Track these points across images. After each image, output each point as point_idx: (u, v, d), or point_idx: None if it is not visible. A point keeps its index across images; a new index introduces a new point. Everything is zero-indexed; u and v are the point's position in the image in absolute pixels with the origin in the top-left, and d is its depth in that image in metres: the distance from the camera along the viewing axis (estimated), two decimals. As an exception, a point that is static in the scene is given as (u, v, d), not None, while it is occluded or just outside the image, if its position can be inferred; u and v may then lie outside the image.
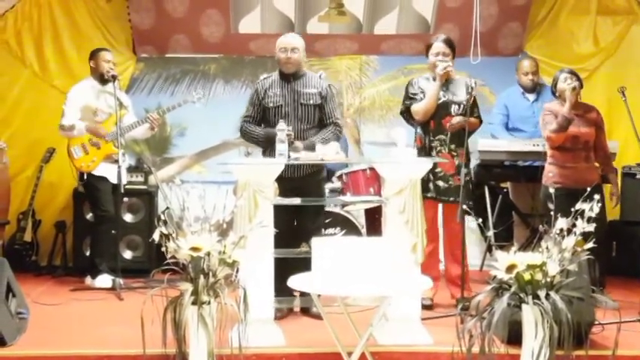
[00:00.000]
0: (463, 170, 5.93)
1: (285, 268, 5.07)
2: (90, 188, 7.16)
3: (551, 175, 6.34)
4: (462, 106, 6.25)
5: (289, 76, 6.07)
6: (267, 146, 5.95)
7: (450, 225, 6.32)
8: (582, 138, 6.26)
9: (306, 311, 6.00)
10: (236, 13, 8.05)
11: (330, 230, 6.84)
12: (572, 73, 6.34)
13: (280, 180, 5.50)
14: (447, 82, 6.30)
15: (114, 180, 6.96)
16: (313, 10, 8.05)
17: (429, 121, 6.30)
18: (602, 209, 6.32)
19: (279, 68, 6.11)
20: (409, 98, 6.38)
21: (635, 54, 7.96)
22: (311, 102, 6.04)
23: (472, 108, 6.22)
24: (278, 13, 8.06)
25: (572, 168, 6.27)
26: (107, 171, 7.05)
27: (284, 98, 6.02)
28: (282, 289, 5.21)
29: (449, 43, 6.33)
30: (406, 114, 6.42)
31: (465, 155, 6.14)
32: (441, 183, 6.24)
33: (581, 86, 6.32)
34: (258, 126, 6.10)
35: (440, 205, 6.36)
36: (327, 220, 6.77)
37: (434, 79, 6.30)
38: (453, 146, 6.24)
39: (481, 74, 7.37)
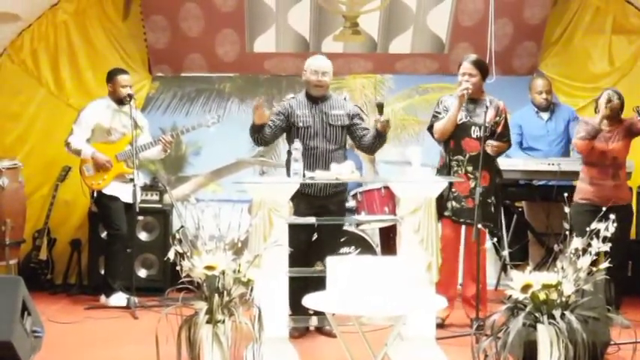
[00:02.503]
0: (478, 189, 5.92)
1: (302, 286, 5.07)
2: (101, 207, 7.21)
3: (578, 191, 6.34)
4: (482, 128, 6.23)
5: (317, 98, 6.11)
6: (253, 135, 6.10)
7: (467, 245, 6.32)
8: (610, 154, 6.26)
9: (319, 329, 6.00)
10: (251, 33, 8.08)
11: (345, 249, 6.84)
12: (616, 92, 6.39)
13: (305, 197, 5.60)
14: (473, 103, 6.28)
15: (125, 199, 7.00)
16: (328, 30, 8.06)
17: (449, 141, 6.31)
18: (627, 229, 6.33)
19: (307, 90, 6.15)
20: (433, 116, 6.41)
21: (650, 73, 7.95)
22: (339, 123, 6.10)
23: (502, 131, 6.24)
24: (293, 33, 8.08)
25: (598, 185, 6.26)
26: (118, 190, 7.09)
27: (313, 119, 6.07)
28: (298, 308, 5.21)
29: (477, 64, 6.29)
30: (430, 130, 6.45)
31: (490, 177, 6.16)
32: (454, 203, 6.24)
33: (621, 106, 6.33)
34: (273, 136, 6.18)
35: (463, 228, 6.35)
36: (341, 239, 6.77)
37: None
38: (470, 168, 6.23)
39: (496, 93, 7.34)
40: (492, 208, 6.29)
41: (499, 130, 6.28)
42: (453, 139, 6.29)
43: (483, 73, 6.33)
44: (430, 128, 6.46)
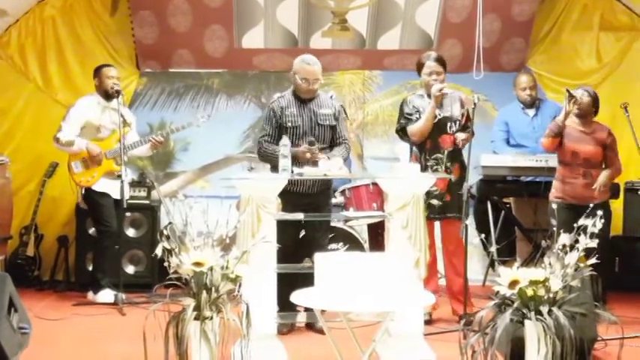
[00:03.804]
0: (466, 185, 5.95)
1: (291, 283, 5.06)
2: (91, 204, 7.18)
3: (553, 190, 6.38)
4: (458, 122, 6.29)
5: (305, 98, 6.09)
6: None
7: (448, 240, 6.34)
8: (582, 155, 6.27)
9: (310, 326, 6.00)
10: (239, 29, 8.07)
11: (333, 245, 6.84)
12: (588, 90, 6.38)
13: (293, 195, 5.66)
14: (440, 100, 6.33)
15: (115, 195, 6.97)
16: (317, 26, 8.06)
17: (424, 140, 6.33)
18: (605, 226, 6.33)
19: (296, 90, 6.12)
20: (405, 118, 6.40)
21: (637, 70, 7.96)
22: (327, 123, 6.09)
23: (467, 122, 6.28)
24: (281, 29, 8.08)
25: (570, 183, 6.29)
26: (108, 186, 7.06)
27: (301, 118, 6.05)
28: (287, 304, 5.20)
29: (440, 61, 6.34)
30: (401, 133, 6.45)
31: (460, 169, 6.21)
32: (435, 201, 6.25)
33: (594, 106, 6.32)
34: (276, 145, 6.08)
35: (437, 222, 6.38)
36: (330, 236, 6.77)
37: (428, 96, 6.32)
38: (448, 164, 6.28)
39: (484, 89, 7.39)
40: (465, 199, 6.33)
41: (463, 121, 6.33)
42: (429, 139, 6.32)
43: (445, 68, 6.38)
44: (400, 131, 6.46)
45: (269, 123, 6.12)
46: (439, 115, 6.29)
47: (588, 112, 6.33)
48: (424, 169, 6.25)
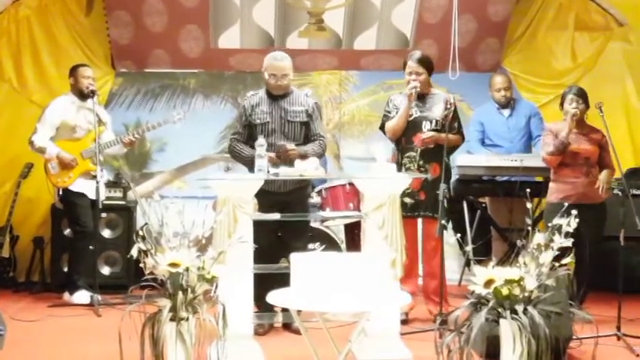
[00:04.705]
0: (442, 185, 5.95)
1: (268, 283, 5.06)
2: (68, 204, 7.14)
3: (552, 191, 6.35)
4: (435, 122, 6.30)
5: (277, 95, 6.08)
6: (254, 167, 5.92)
7: (426, 240, 6.37)
8: (582, 154, 6.27)
9: (287, 326, 5.99)
10: (215, 29, 8.06)
11: (310, 245, 6.83)
12: (580, 95, 6.31)
13: (266, 194, 5.64)
14: (422, 99, 6.35)
15: (92, 195, 6.94)
16: (293, 26, 8.07)
17: (400, 139, 6.37)
18: (601, 227, 6.35)
19: (267, 87, 6.11)
20: (384, 115, 6.45)
21: (612, 70, 8.01)
22: (297, 119, 6.06)
23: (451, 124, 6.27)
24: (258, 29, 8.07)
25: (572, 183, 6.26)
26: (84, 187, 7.02)
27: (271, 115, 6.03)
28: (264, 304, 5.20)
29: (422, 61, 6.35)
30: (382, 129, 6.49)
31: (445, 171, 6.21)
32: (407, 200, 6.26)
33: (587, 107, 6.33)
34: (246, 143, 6.07)
35: (419, 221, 6.40)
36: (307, 235, 6.77)
37: None
38: (421, 162, 6.29)
39: (460, 90, 7.43)
40: (445, 201, 6.32)
41: (447, 122, 6.31)
42: (404, 136, 6.37)
43: (429, 69, 6.39)
44: (382, 127, 6.52)
45: (239, 121, 6.18)
46: (415, 113, 6.32)
47: (584, 115, 6.35)
48: (400, 166, 6.29)
